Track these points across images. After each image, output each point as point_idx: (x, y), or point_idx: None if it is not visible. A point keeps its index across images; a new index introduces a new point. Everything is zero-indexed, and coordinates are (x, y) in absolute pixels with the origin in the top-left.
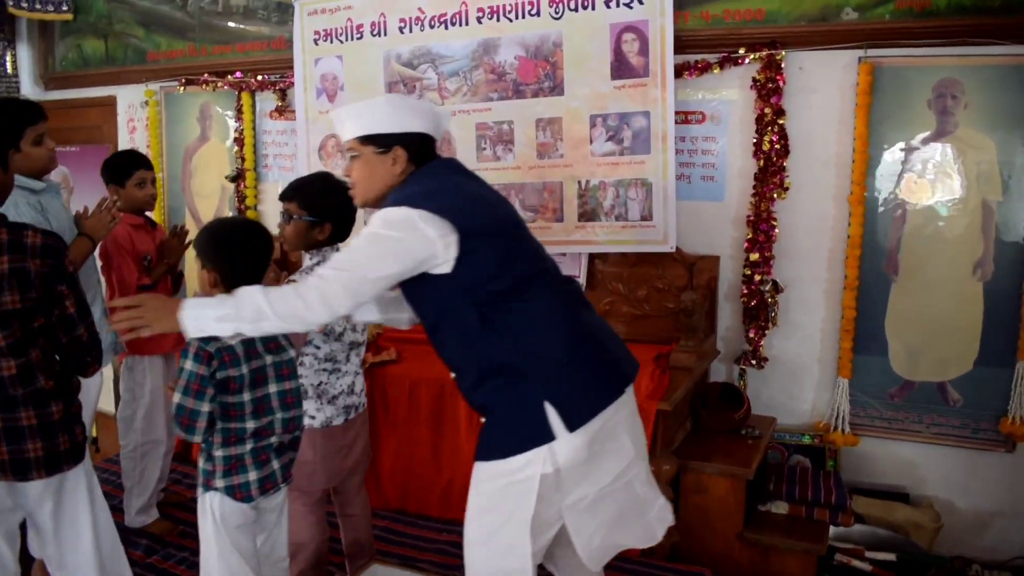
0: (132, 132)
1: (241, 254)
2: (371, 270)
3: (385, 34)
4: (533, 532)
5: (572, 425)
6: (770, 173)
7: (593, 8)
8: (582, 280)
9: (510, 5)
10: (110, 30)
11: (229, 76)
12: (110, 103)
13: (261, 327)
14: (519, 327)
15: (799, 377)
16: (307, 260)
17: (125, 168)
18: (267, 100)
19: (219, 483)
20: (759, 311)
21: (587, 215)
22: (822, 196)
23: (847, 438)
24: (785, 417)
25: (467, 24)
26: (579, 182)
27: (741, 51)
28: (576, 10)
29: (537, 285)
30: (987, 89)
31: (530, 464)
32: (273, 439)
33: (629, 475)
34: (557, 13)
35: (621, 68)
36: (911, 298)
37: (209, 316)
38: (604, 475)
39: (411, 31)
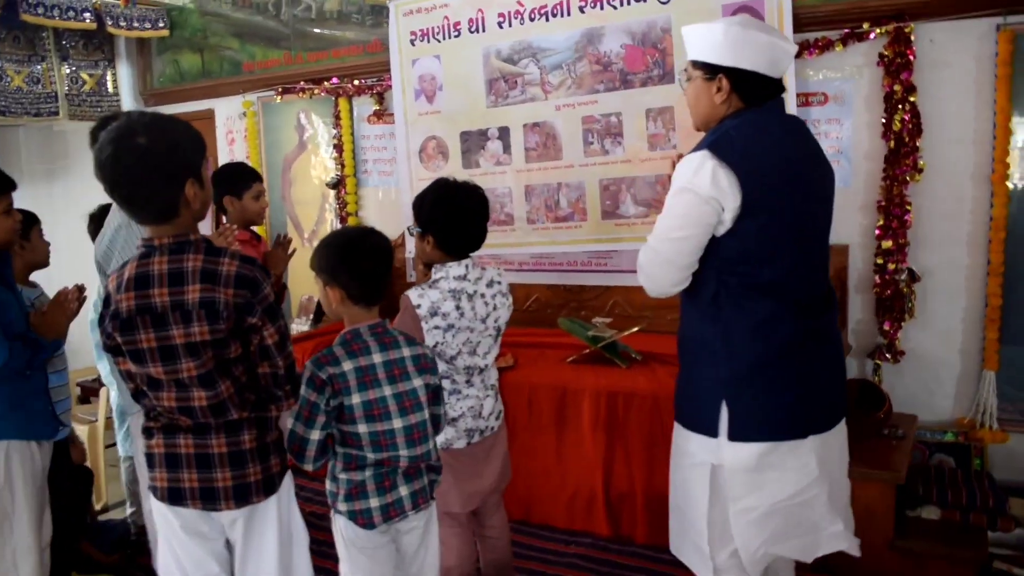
0: (231, 144)
1: (368, 267)
2: (674, 231)
3: (484, 30)
4: (711, 524)
5: (734, 436)
6: (902, 154)
7: None
8: None
9: None
10: (206, 44)
11: (325, 83)
12: (208, 116)
13: None
14: (735, 325)
15: (939, 371)
16: (434, 274)
17: (244, 179)
18: (364, 104)
19: (342, 507)
20: (894, 302)
21: None
22: (959, 177)
23: (995, 435)
24: (924, 414)
25: (569, 15)
26: None
27: (865, 26)
28: None
29: (772, 295)
30: None
31: (702, 449)
32: (399, 467)
33: (808, 495)
34: None
35: None
36: None
37: None
38: (780, 490)
39: (510, 25)
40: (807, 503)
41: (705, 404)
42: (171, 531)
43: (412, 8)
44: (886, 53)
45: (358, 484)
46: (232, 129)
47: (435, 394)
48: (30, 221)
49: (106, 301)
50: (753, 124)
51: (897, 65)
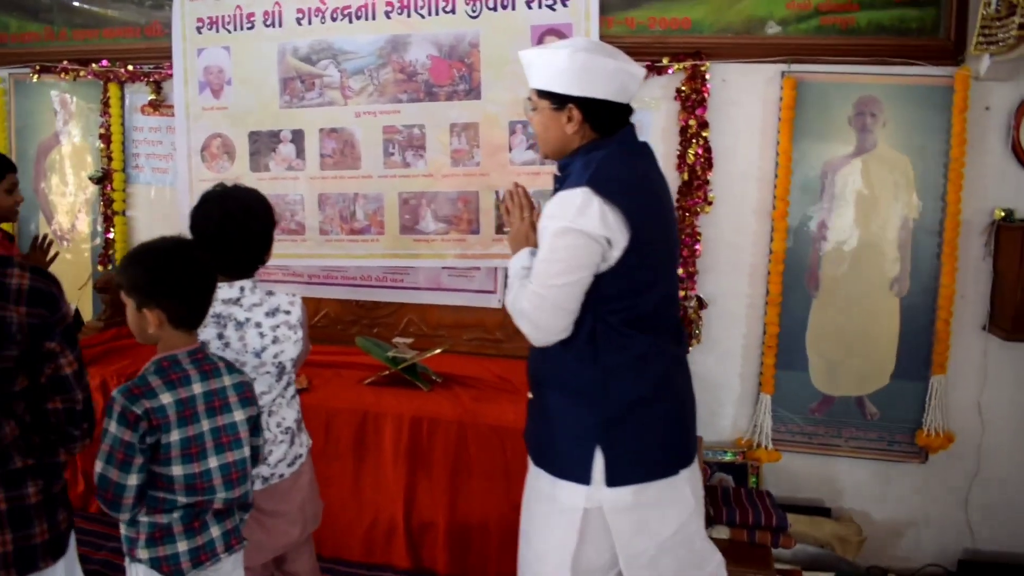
0: None
1: (194, 285)
2: (562, 275)
3: (280, 25)
4: (575, 570)
5: (612, 481)
6: (695, 187)
7: (513, 8)
8: (499, 296)
9: (422, 1)
10: None
11: (94, 65)
12: None
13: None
14: (614, 364)
15: (720, 393)
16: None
17: None
18: (139, 93)
19: (143, 554)
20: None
21: (504, 227)
22: (744, 211)
23: (770, 454)
24: (707, 434)
25: (374, 19)
26: (496, 192)
27: (665, 60)
28: (495, 9)
29: (649, 328)
30: (905, 108)
31: (573, 495)
32: (212, 507)
33: (689, 529)
34: (474, 11)
35: None
36: (831, 313)
37: (520, 264)
38: (664, 527)
39: (310, 23)
40: (689, 538)
41: (576, 450)
42: None
43: None
44: (683, 88)
45: (163, 527)
46: None
47: (255, 425)
48: None
49: None
50: (619, 155)
51: (693, 101)
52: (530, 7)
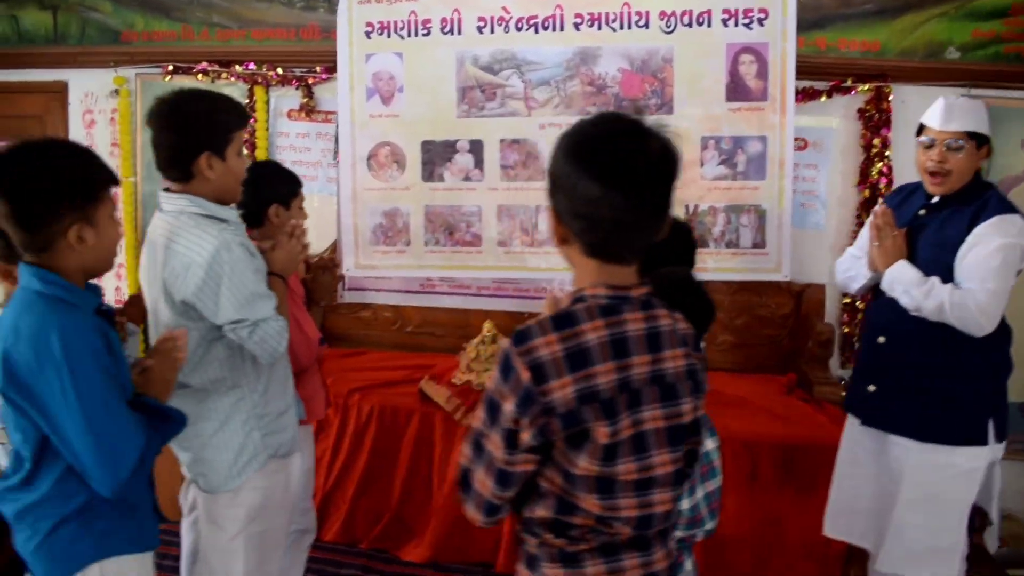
0: (90, 127)
1: None
2: (1013, 277)
3: (459, 33)
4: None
5: (1000, 437)
6: (875, 204)
7: (709, 25)
8: None
9: (614, 14)
10: (61, 1)
11: (238, 67)
12: (57, 89)
13: (928, 317)
14: (1006, 347)
15: None
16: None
17: (292, 184)
18: (284, 97)
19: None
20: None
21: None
22: None
23: None
24: None
25: (562, 29)
26: (687, 206)
27: (849, 81)
28: (690, 25)
29: None
30: None
31: (975, 457)
32: None
33: None
34: (669, 27)
35: (737, 90)
36: None
37: (908, 279)
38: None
39: (492, 32)
40: None
41: (975, 420)
42: None
43: None
44: (867, 108)
45: None
46: (92, 108)
47: None
48: None
49: (539, 375)
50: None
51: (877, 121)
52: (726, 25)
